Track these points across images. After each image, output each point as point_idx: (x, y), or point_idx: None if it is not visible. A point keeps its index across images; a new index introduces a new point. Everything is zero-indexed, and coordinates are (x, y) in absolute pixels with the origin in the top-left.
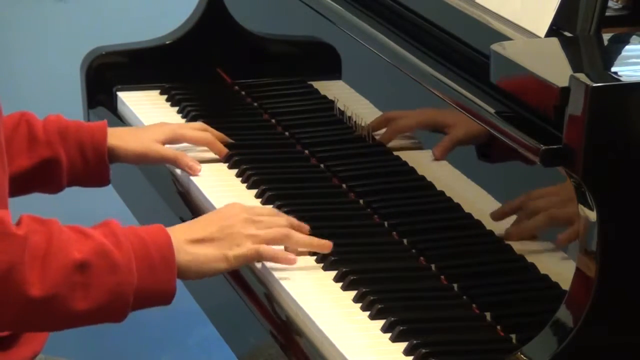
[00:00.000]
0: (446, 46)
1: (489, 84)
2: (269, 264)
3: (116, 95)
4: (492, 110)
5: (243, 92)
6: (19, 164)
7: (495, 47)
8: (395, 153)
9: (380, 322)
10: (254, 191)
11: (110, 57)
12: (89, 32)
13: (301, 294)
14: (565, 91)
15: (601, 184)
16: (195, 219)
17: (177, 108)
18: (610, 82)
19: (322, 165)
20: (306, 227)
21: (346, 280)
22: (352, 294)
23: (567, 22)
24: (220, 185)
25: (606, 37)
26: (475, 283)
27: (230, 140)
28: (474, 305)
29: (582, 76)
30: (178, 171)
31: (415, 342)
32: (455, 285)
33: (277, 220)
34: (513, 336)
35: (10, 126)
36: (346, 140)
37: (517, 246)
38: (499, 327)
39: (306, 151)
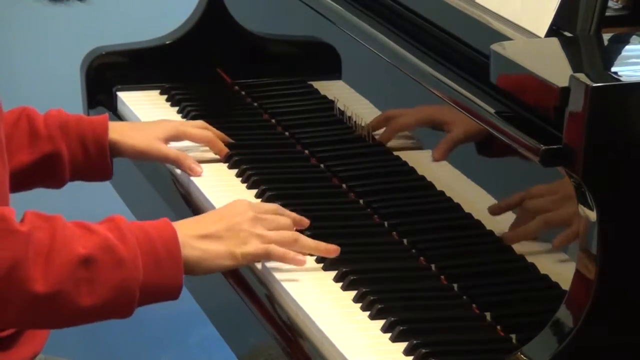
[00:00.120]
0: (446, 46)
1: (489, 84)
2: (269, 264)
3: (116, 95)
4: (492, 110)
5: (243, 92)
6: (20, 159)
7: (495, 47)
8: (395, 153)
9: (380, 322)
10: (254, 191)
11: (110, 57)
12: (89, 32)
13: (301, 294)
14: (565, 91)
15: (601, 184)
16: (202, 215)
17: (177, 108)
18: (610, 82)
19: (322, 165)
20: (306, 221)
21: (346, 280)
22: (352, 294)
23: (567, 22)
24: (220, 185)
25: (606, 37)
26: (475, 283)
27: (231, 140)
28: (474, 305)
29: (582, 76)
30: (178, 171)
31: (415, 342)
32: (455, 285)
33: (282, 221)
34: (513, 336)
35: (11, 122)
36: (346, 140)
37: (517, 246)
38: (499, 327)
39: (306, 151)
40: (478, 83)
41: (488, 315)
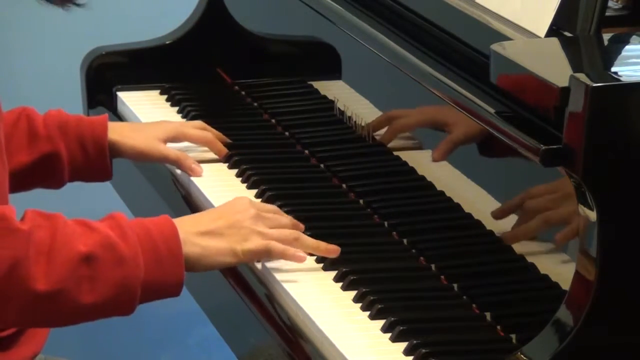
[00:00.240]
0: (446, 46)
1: (489, 84)
2: (269, 264)
3: (116, 95)
4: (492, 110)
5: (243, 92)
6: (19, 160)
7: (495, 47)
8: (395, 153)
9: (380, 322)
10: (254, 191)
11: (110, 57)
12: (89, 32)
13: (301, 294)
14: (565, 91)
15: (601, 184)
16: (203, 212)
17: (177, 108)
18: (610, 82)
19: (322, 165)
20: (301, 226)
21: (346, 280)
22: (352, 294)
23: (567, 22)
24: (220, 185)
25: (606, 37)
26: (475, 283)
27: (230, 141)
28: (474, 305)
29: (582, 76)
30: (178, 171)
31: (415, 342)
32: (455, 285)
33: (283, 220)
34: (513, 336)
35: (11, 122)
36: (346, 140)
37: (517, 246)
38: (499, 327)
39: (306, 151)
40: (478, 83)
41: (488, 315)
